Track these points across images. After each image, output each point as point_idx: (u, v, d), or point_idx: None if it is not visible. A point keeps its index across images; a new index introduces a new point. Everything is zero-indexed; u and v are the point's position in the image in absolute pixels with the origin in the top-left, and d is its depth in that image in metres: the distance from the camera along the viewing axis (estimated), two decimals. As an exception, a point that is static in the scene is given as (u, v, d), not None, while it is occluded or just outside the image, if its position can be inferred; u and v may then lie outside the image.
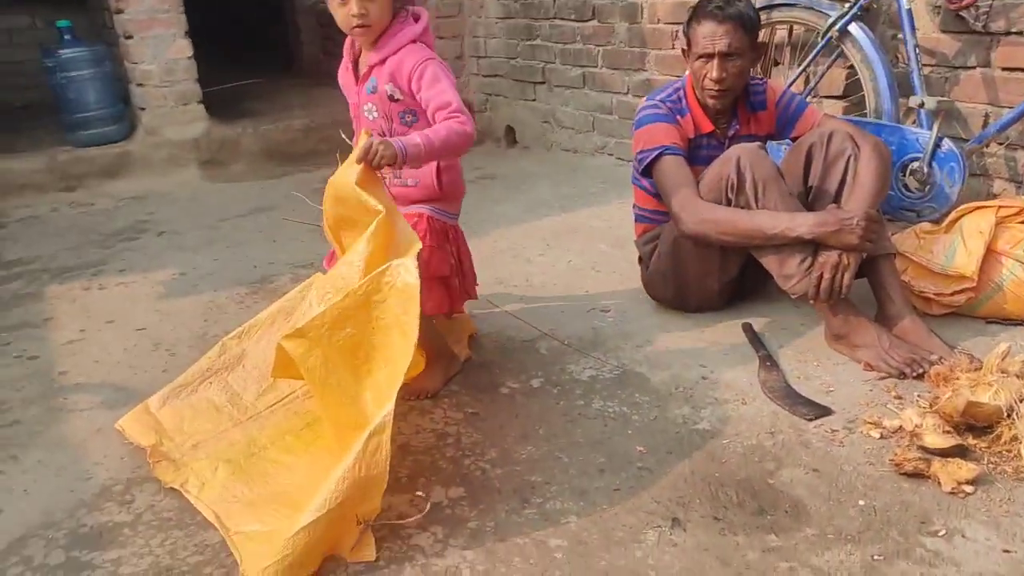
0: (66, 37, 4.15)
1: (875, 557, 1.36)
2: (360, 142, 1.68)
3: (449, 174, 2.00)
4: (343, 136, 1.83)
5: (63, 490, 1.64)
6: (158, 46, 4.14)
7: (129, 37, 4.11)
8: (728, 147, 2.17)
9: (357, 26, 1.84)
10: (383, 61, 1.90)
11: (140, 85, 4.19)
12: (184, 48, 4.20)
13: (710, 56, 2.10)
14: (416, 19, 1.93)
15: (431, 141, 1.77)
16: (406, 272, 1.50)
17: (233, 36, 7.04)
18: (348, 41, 1.99)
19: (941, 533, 1.40)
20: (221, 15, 6.37)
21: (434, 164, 1.94)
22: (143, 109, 4.22)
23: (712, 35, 2.08)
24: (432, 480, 1.63)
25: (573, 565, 1.38)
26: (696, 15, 2.13)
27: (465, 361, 2.12)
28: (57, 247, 3.25)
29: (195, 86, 4.28)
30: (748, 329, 2.20)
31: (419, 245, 1.60)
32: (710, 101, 2.18)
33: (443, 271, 1.96)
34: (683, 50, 2.23)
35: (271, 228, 3.34)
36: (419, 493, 1.59)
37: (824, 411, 1.79)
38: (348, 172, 1.67)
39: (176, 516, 1.55)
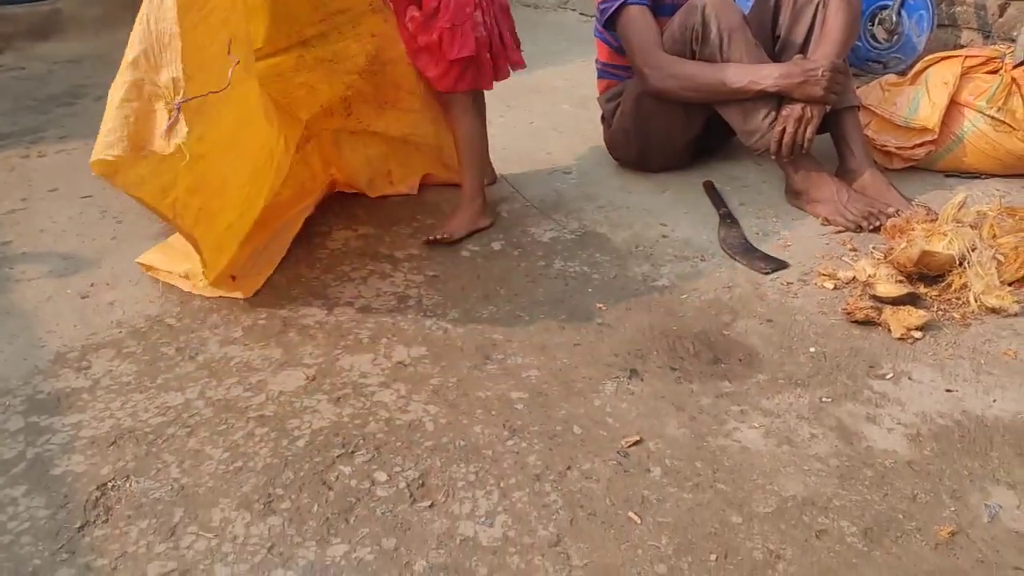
0: None
1: (823, 399, 1.41)
2: None
3: None
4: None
5: (16, 358, 1.61)
6: None
7: None
8: (695, -5, 2.07)
9: None
10: None
11: (63, -66, 3.85)
12: None
13: None
14: None
15: None
16: None
17: None
18: None
19: (888, 376, 1.46)
20: None
21: None
22: (69, -38, 3.90)
23: None
24: (394, 340, 1.63)
25: (534, 415, 1.41)
26: None
27: (491, 183, 2.23)
28: (-11, 114, 3.06)
29: (125, -65, 3.94)
30: (709, 187, 2.18)
31: None
32: None
33: (463, 52, 1.87)
34: None
35: (217, 91, 3.17)
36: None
37: (781, 265, 1.81)
38: None
39: (135, 380, 1.54)
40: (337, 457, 1.33)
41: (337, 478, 1.29)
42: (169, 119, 1.40)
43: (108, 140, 1.40)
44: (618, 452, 1.32)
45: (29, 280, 1.91)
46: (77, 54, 3.76)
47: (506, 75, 2.03)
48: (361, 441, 1.37)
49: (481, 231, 2.04)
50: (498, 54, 1.95)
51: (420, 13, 1.89)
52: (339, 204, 2.22)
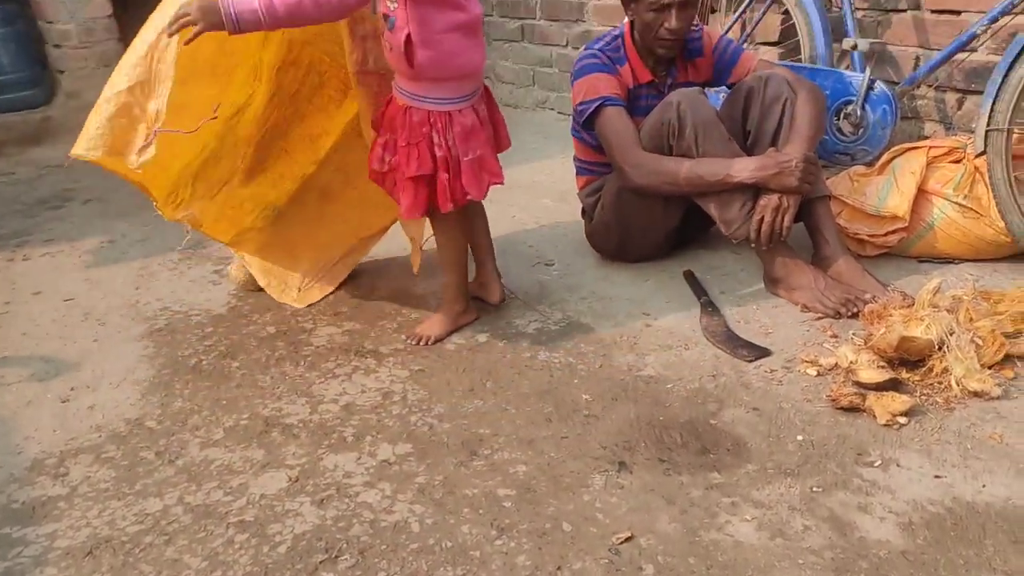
0: (-29, -5, 3.91)
1: (814, 489, 1.40)
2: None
3: (429, 50, 1.70)
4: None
5: (-8, 466, 1.58)
6: (75, 4, 3.94)
7: (41, -6, 3.90)
8: (667, 96, 2.15)
9: None
10: None
11: (57, 46, 3.99)
12: (103, 6, 4.00)
13: (668, 6, 2.05)
14: None
15: (272, 5, 1.61)
16: None
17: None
18: None
19: (877, 463, 1.45)
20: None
21: (403, 32, 1.67)
22: (62, 72, 4.03)
23: None
24: (379, 437, 1.62)
25: (522, 513, 1.39)
26: None
27: (499, 302, 2.14)
28: (-24, 218, 3.09)
29: (118, 46, 4.08)
30: (689, 276, 2.22)
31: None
32: (661, 51, 2.14)
33: (421, 170, 1.78)
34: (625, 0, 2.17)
35: (204, 192, 3.23)
36: None
37: (763, 352, 1.83)
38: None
39: (113, 486, 1.51)
40: (320, 563, 1.29)
41: (320, 585, 1.24)
42: (144, 142, 1.69)
43: (93, 143, 1.68)
44: (609, 549, 1.29)
45: (9, 384, 1.89)
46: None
47: (476, 195, 1.86)
48: (345, 545, 1.33)
49: (465, 326, 2.05)
50: (456, 175, 1.81)
51: (382, 134, 1.86)
52: (324, 301, 2.24)
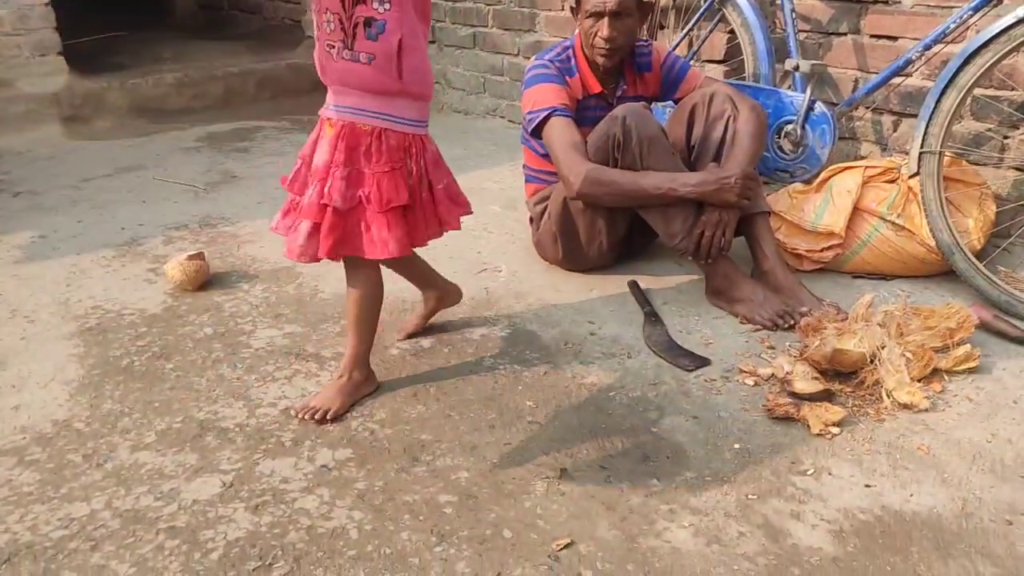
0: (-103, -25, 3.73)
1: (749, 496, 1.42)
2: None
3: (413, 58, 1.51)
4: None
5: (-96, 469, 1.50)
6: (8, -11, 3.79)
7: (-28, -22, 3.74)
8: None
9: None
10: None
11: (-12, 32, 3.83)
12: (40, -8, 3.86)
13: (600, 15, 2.10)
14: None
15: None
16: None
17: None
18: None
19: (810, 472, 1.49)
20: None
21: (396, 36, 1.47)
22: (-7, 59, 3.87)
23: None
24: (318, 443, 1.59)
25: (463, 519, 1.38)
26: None
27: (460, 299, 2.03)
28: None
29: (54, 35, 3.94)
30: (634, 286, 2.25)
31: None
32: (600, 60, 2.18)
33: (401, 199, 1.56)
34: (572, 9, 2.22)
35: (141, 188, 3.14)
36: None
37: (703, 362, 1.86)
38: None
39: (37, 490, 1.44)
40: (253, 571, 1.26)
41: (253, 593, 1.21)
42: None
43: None
44: (549, 556, 1.29)
45: (-75, 383, 1.80)
46: (-4, 149, 3.68)
47: (454, 226, 1.71)
48: (280, 552, 1.30)
49: (366, 397, 1.75)
50: (429, 205, 1.64)
51: (345, 165, 1.55)
52: (265, 303, 2.19)
